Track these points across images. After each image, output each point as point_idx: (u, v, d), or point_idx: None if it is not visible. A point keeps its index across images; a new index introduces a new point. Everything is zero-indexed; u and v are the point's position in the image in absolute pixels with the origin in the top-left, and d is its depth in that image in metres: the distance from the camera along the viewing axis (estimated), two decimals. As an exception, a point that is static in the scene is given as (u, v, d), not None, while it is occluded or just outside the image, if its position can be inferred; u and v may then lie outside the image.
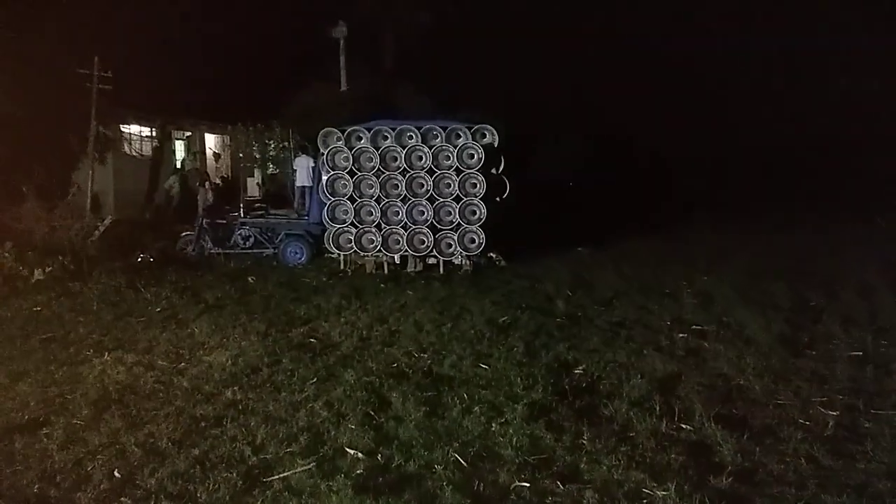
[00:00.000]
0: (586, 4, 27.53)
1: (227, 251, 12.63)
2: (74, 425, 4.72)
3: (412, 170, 11.34)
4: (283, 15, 24.00)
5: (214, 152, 25.87)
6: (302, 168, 14.50)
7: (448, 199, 11.29)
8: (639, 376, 5.54)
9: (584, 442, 4.32)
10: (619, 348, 6.45)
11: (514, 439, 4.34)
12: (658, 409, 4.81)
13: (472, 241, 11.24)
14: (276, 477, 3.95)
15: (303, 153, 15.86)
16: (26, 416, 4.90)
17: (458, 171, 11.27)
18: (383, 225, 11.41)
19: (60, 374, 5.83)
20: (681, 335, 6.91)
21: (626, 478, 3.87)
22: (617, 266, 11.25)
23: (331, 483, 3.84)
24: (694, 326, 7.24)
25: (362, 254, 11.51)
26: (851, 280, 9.53)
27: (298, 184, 14.65)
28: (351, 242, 11.47)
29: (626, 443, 4.31)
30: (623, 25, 28.61)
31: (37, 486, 3.92)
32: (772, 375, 5.56)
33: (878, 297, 8.53)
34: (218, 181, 22.67)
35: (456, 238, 11.23)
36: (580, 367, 5.87)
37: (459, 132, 11.41)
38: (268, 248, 12.67)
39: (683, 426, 4.57)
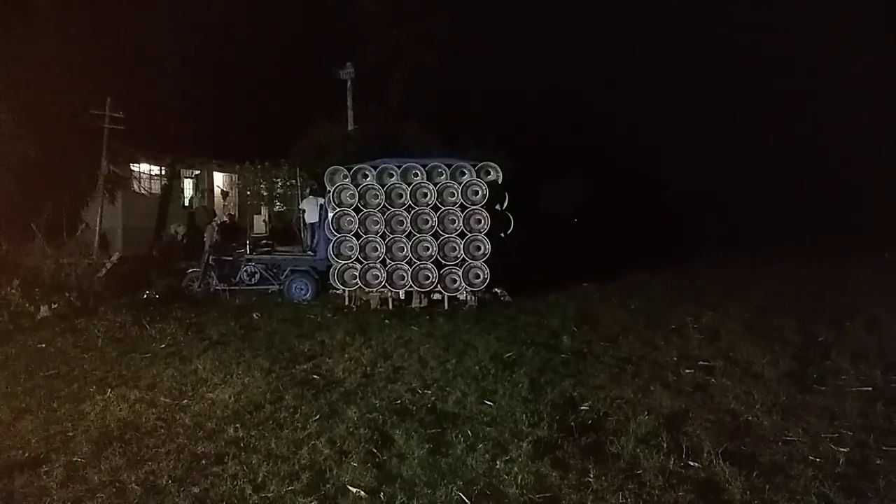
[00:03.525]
0: (591, 42, 27.96)
1: (233, 287, 12.67)
2: (75, 463, 4.67)
3: (417, 206, 11.43)
4: (292, 56, 24.51)
5: (222, 190, 26.17)
6: (311, 207, 14.54)
7: (453, 235, 11.34)
8: (646, 413, 5.47)
9: (591, 480, 4.24)
10: (625, 384, 6.37)
11: (520, 477, 4.27)
12: (665, 445, 4.73)
13: (477, 276, 11.25)
14: (277, 516, 3.89)
15: (311, 194, 16.01)
16: (27, 454, 4.86)
17: (462, 208, 11.34)
18: (388, 261, 11.44)
19: (63, 411, 5.79)
20: (688, 371, 6.84)
21: (634, 517, 3.79)
22: (623, 301, 11.21)
23: (332, 522, 3.78)
24: (701, 362, 7.17)
25: (367, 289, 11.52)
26: (860, 315, 9.44)
27: (308, 221, 14.66)
28: (356, 278, 11.49)
29: (633, 480, 4.23)
30: (629, 61, 29.04)
31: (35, 525, 3.87)
32: (780, 411, 5.48)
33: (887, 332, 8.44)
34: (225, 219, 22.86)
35: (461, 273, 11.24)
36: (586, 404, 5.80)
37: (464, 169, 11.53)
38: (273, 284, 12.71)
39: (691, 463, 4.49)
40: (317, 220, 13.68)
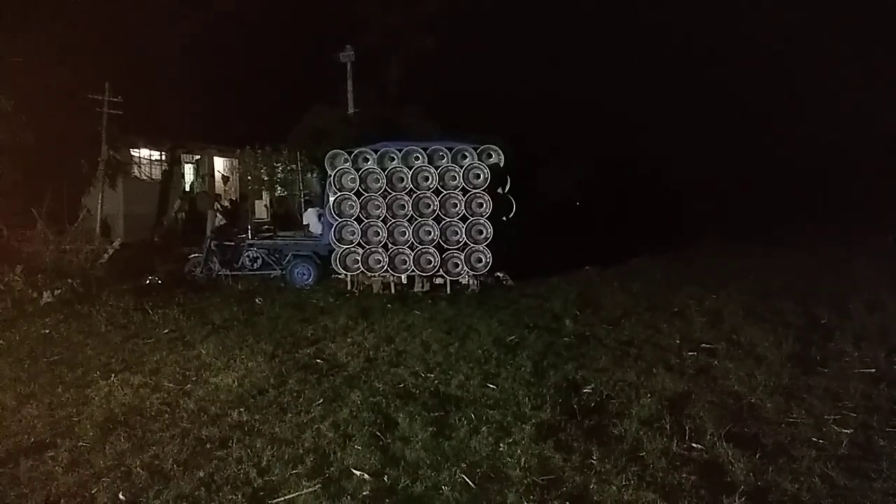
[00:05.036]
0: (594, 24, 27.75)
1: (235, 273, 12.66)
2: (80, 448, 4.70)
3: (419, 190, 11.39)
4: (292, 40, 24.34)
5: (223, 175, 26.10)
6: (313, 220, 14.37)
7: (454, 219, 11.30)
8: (648, 395, 5.47)
9: (594, 462, 4.25)
10: (628, 367, 6.38)
11: (523, 460, 4.28)
12: (668, 428, 4.74)
13: (479, 260, 11.23)
14: (282, 499, 3.91)
15: (309, 207, 15.89)
16: (32, 439, 4.88)
17: (464, 191, 11.30)
18: (390, 245, 11.42)
19: (67, 397, 5.81)
20: (690, 354, 6.83)
21: (637, 498, 3.81)
22: (625, 285, 11.20)
23: (337, 505, 3.79)
24: (704, 345, 7.17)
25: (369, 274, 11.51)
26: (862, 297, 9.43)
27: (313, 231, 14.36)
28: (358, 263, 11.48)
29: (636, 463, 4.24)
30: (631, 47, 28.83)
31: (41, 509, 3.89)
32: (784, 393, 5.48)
33: (890, 314, 8.44)
34: (226, 203, 22.83)
35: (463, 257, 11.22)
36: (589, 387, 5.81)
37: (465, 152, 11.47)
38: (275, 269, 12.70)
39: (694, 445, 4.50)
40: (320, 231, 13.38)
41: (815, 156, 27.91)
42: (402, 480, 4.06)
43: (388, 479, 4.10)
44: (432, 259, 11.28)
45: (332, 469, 4.26)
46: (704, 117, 28.70)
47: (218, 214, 18.70)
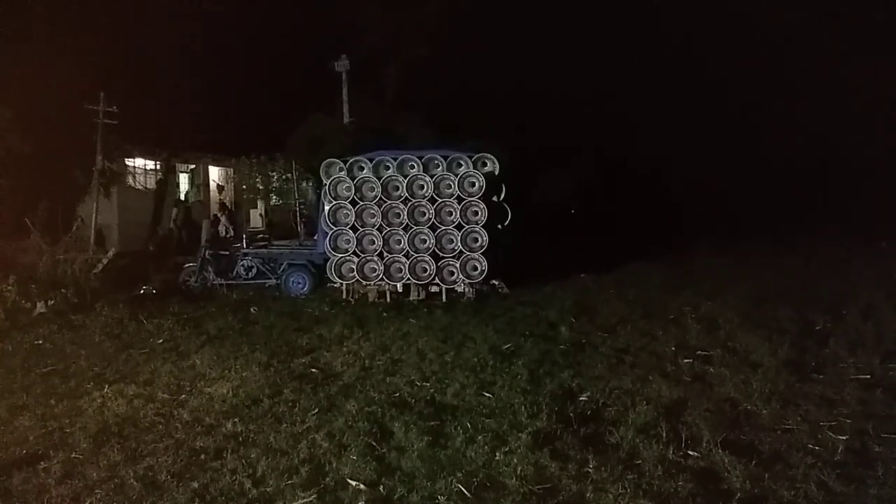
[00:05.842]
0: (589, 31, 27.87)
1: (230, 282, 12.63)
2: (73, 459, 4.66)
3: (414, 198, 11.39)
4: (287, 49, 24.39)
5: (218, 184, 26.08)
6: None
7: (450, 227, 11.31)
8: (644, 403, 5.47)
9: (590, 470, 4.24)
10: (623, 375, 6.37)
11: (519, 468, 4.27)
12: (664, 435, 4.73)
13: (475, 268, 11.23)
14: (277, 510, 3.89)
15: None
16: (25, 451, 4.84)
17: (459, 199, 11.31)
18: (385, 253, 11.42)
19: (60, 408, 5.77)
20: (686, 361, 6.84)
21: (633, 507, 3.79)
22: (620, 292, 11.21)
23: (332, 515, 3.77)
24: (699, 352, 7.17)
25: (364, 283, 11.49)
26: (857, 303, 9.45)
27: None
28: (353, 271, 11.47)
29: (632, 470, 4.23)
30: (627, 52, 28.95)
31: (33, 521, 3.85)
32: (779, 400, 5.48)
33: (885, 320, 8.46)
34: (223, 215, 22.81)
35: (458, 266, 11.22)
36: (585, 395, 5.80)
37: (461, 161, 11.50)
38: (270, 278, 12.67)
39: (690, 453, 4.49)
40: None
41: (815, 156, 28.01)
42: (398, 490, 4.05)
43: (383, 489, 4.08)
44: (428, 267, 11.28)
45: (328, 479, 4.23)
46: (703, 118, 28.77)
47: (223, 224, 18.72)
